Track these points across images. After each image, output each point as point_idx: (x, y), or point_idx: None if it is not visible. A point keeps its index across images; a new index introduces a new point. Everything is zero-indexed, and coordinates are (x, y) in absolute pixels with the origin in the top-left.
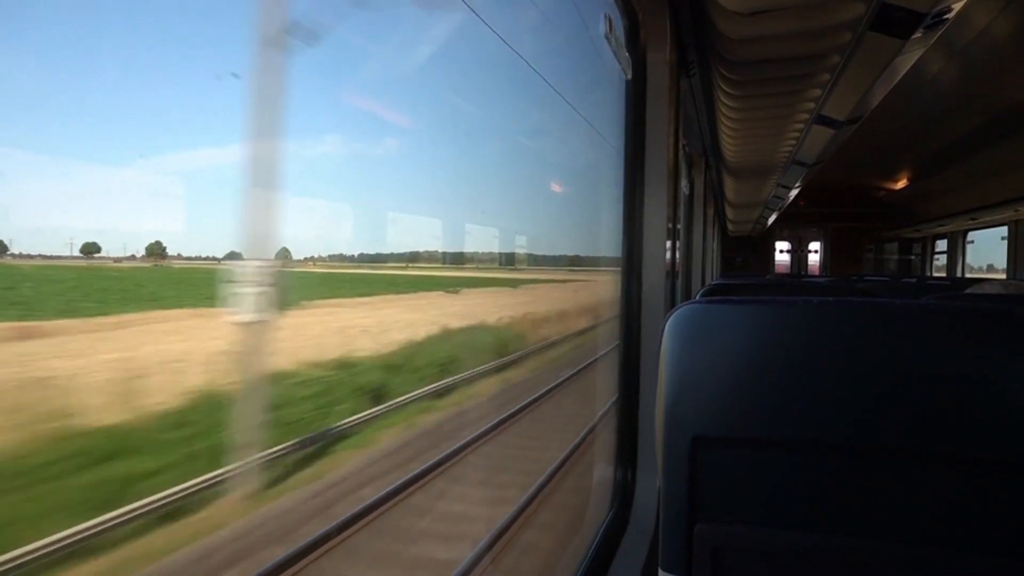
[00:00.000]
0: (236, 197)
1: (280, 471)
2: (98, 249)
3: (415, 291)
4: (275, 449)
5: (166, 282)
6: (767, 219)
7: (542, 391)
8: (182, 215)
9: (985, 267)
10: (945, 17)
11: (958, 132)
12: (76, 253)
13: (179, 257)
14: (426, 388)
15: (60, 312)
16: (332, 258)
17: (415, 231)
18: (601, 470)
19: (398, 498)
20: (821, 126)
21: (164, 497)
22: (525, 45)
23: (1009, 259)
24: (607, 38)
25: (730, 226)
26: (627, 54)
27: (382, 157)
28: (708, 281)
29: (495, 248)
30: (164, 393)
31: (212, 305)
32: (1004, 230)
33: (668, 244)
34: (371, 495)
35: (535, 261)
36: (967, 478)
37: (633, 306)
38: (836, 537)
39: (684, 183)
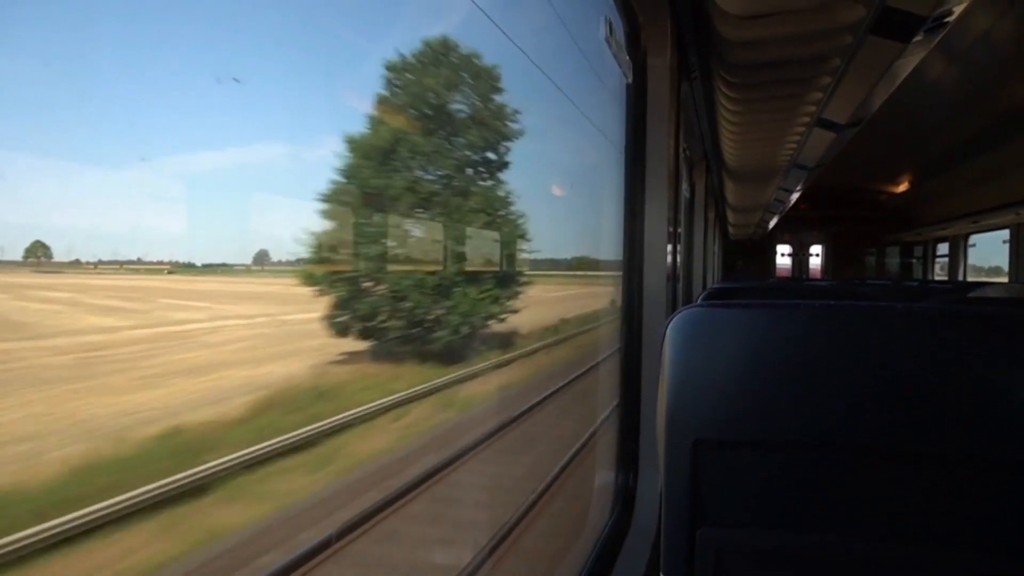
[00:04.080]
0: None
1: None
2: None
3: None
4: None
5: None
6: (768, 223)
7: None
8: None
9: (968, 268)
10: (946, 20)
11: (960, 135)
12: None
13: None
14: None
15: None
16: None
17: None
18: (603, 474)
19: None
20: (822, 129)
21: None
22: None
23: (1011, 262)
24: (607, 42)
25: (731, 229)
26: (627, 58)
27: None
28: (709, 285)
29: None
30: None
31: None
32: (1005, 233)
33: (669, 248)
34: None
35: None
36: (972, 481)
37: (634, 310)
38: (840, 539)
39: (685, 187)
